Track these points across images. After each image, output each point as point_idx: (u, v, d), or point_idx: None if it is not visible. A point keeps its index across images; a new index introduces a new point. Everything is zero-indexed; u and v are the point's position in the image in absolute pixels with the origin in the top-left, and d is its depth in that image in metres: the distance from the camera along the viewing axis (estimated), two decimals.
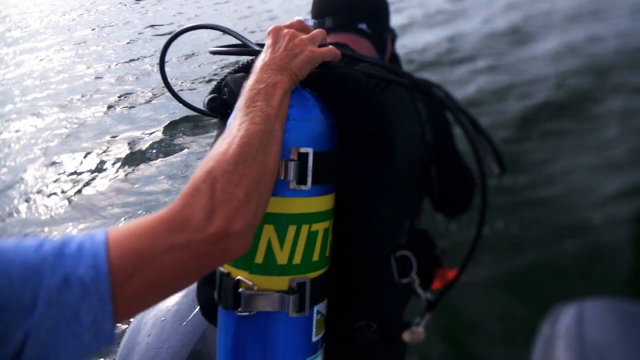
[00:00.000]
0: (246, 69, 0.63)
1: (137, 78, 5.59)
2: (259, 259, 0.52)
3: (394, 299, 0.68)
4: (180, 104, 0.81)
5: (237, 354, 0.54)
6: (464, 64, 3.73)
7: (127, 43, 7.26)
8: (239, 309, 0.53)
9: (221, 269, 0.57)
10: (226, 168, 0.43)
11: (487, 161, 0.69)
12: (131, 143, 3.82)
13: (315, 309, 0.55)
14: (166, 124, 3.97)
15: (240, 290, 0.53)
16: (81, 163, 3.72)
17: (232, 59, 4.84)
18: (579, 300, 1.07)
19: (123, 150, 3.73)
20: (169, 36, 0.79)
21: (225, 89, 0.61)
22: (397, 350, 0.74)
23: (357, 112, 0.56)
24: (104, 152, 3.80)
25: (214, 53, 0.72)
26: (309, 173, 0.52)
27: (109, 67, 6.22)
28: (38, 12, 12.22)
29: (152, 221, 0.42)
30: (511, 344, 1.50)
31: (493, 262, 1.83)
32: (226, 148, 0.44)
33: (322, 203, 0.54)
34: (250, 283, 0.52)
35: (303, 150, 0.52)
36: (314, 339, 0.56)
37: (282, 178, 0.52)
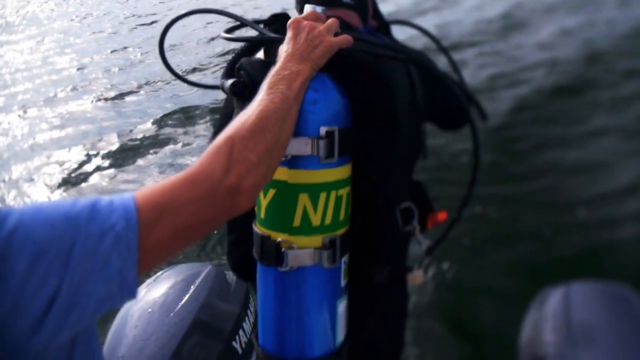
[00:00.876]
0: (251, 51, 0.72)
1: (121, 69, 5.48)
2: (297, 222, 0.62)
3: (400, 246, 0.79)
4: (178, 82, 0.89)
5: (278, 303, 0.64)
6: (454, 51, 3.72)
7: (110, 34, 7.11)
8: (282, 266, 0.62)
9: (259, 232, 0.65)
10: (244, 135, 0.50)
11: (472, 112, 0.81)
12: (121, 136, 3.75)
13: (343, 259, 0.66)
14: (156, 116, 3.90)
15: (282, 250, 0.62)
16: (70, 156, 3.65)
17: (219, 48, 4.76)
18: (566, 283, 1.08)
19: (113, 143, 3.66)
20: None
21: (241, 72, 0.68)
22: (403, 292, 0.86)
23: (369, 92, 0.66)
24: (93, 145, 3.73)
25: (227, 40, 0.76)
26: (336, 148, 0.61)
27: (92, 58, 6.10)
28: (16, 3, 11.89)
29: (176, 178, 0.48)
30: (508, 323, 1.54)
31: (492, 248, 1.85)
32: (246, 119, 0.52)
33: (345, 171, 0.65)
34: (291, 242, 0.62)
35: (330, 129, 0.61)
36: (342, 284, 0.67)
37: (315, 154, 0.61)
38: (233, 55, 0.72)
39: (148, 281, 1.12)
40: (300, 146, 0.60)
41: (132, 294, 0.45)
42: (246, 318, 1.14)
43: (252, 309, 1.19)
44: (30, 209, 0.43)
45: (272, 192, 0.62)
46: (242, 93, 0.65)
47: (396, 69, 0.75)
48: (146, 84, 4.80)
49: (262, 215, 0.64)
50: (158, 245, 0.46)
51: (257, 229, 0.65)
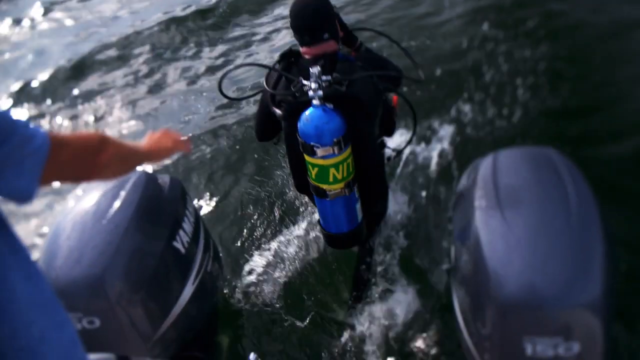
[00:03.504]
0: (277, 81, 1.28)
1: None
2: (331, 179, 1.24)
3: (381, 163, 1.44)
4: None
5: (328, 212, 1.31)
6: None
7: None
8: (327, 198, 1.26)
9: (313, 184, 1.27)
10: (115, 142, 0.81)
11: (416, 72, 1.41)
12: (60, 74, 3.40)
13: (355, 187, 1.29)
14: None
15: (326, 192, 1.26)
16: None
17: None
18: (494, 152, 1.11)
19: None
20: None
21: (282, 104, 1.27)
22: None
23: (353, 109, 1.22)
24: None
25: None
26: (342, 145, 1.20)
27: None
28: None
29: (74, 134, 0.76)
30: None
31: None
32: (122, 141, 0.86)
33: (348, 152, 1.23)
34: (329, 188, 1.25)
35: (337, 139, 1.18)
36: (357, 197, 1.32)
37: (333, 152, 1.19)
38: (269, 96, 1.30)
39: (76, 192, 1.08)
40: (325, 151, 1.18)
41: (29, 195, 0.64)
42: (185, 218, 1.13)
43: (190, 209, 1.18)
44: None
45: (316, 169, 1.23)
46: (287, 118, 1.25)
47: (366, 84, 1.24)
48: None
49: (314, 177, 1.25)
50: (57, 168, 0.67)
51: (312, 182, 1.27)
